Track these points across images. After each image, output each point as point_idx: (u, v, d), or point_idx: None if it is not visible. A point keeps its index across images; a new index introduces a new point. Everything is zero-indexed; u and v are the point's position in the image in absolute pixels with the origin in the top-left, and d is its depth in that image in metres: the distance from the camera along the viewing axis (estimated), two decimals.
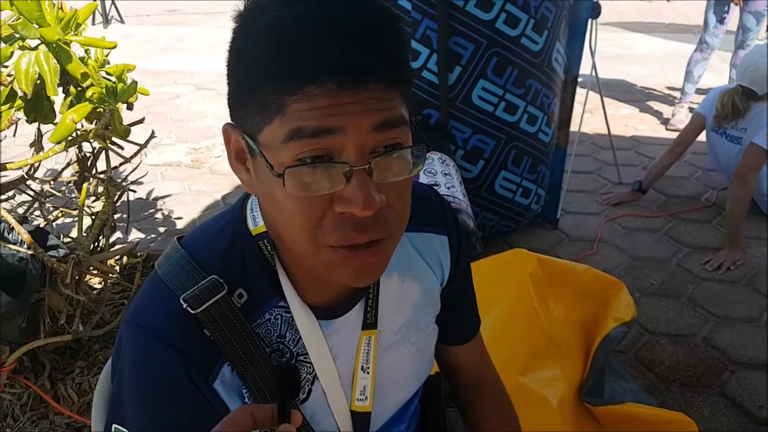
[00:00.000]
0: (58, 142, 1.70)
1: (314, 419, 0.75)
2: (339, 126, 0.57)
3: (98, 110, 1.79)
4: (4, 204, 2.03)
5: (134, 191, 2.34)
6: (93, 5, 1.84)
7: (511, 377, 1.58)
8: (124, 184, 2.18)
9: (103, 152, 2.07)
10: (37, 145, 2.03)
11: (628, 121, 4.53)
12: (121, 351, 0.69)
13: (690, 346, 2.17)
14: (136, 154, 2.15)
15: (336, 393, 0.76)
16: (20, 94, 1.57)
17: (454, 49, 2.43)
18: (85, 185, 2.05)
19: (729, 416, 1.87)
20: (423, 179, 2.28)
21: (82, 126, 1.90)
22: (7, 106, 1.59)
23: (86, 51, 1.85)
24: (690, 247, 2.83)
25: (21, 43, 1.56)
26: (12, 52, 1.54)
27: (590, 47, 2.99)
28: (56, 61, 1.58)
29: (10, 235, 1.85)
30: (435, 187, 2.23)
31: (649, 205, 3.23)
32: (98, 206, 2.20)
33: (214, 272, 0.68)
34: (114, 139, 1.95)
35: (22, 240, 1.79)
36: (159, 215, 3.21)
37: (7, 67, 1.57)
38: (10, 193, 2.25)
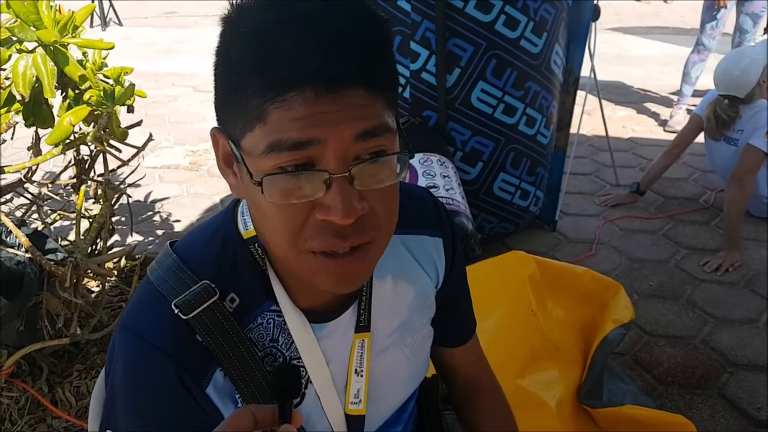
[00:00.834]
0: (56, 145, 1.70)
1: (308, 423, 0.75)
2: (319, 138, 0.56)
3: (96, 113, 1.79)
4: (2, 207, 2.03)
5: (129, 196, 2.34)
6: (90, 7, 1.84)
7: (510, 379, 1.58)
8: (122, 186, 2.18)
9: (101, 155, 2.07)
10: (35, 148, 2.03)
11: (625, 123, 4.53)
12: (114, 356, 0.69)
13: (689, 347, 2.17)
14: (134, 156, 2.15)
15: (330, 396, 0.76)
16: (18, 97, 1.57)
17: (454, 50, 2.43)
18: (82, 188, 2.05)
19: (728, 418, 1.87)
20: (422, 181, 2.28)
21: (80, 129, 1.90)
22: (5, 109, 1.59)
23: (84, 54, 1.86)
24: (688, 248, 2.83)
25: (18, 46, 1.56)
26: (9, 55, 1.54)
27: (589, 50, 2.99)
28: (53, 64, 1.57)
29: (8, 238, 1.84)
30: (433, 189, 2.26)
31: (647, 206, 3.22)
32: (96, 209, 2.20)
33: (206, 277, 0.68)
34: (112, 141, 1.95)
35: (20, 243, 1.79)
36: (157, 218, 3.21)
37: (4, 70, 1.57)
38: (8, 196, 2.25)
